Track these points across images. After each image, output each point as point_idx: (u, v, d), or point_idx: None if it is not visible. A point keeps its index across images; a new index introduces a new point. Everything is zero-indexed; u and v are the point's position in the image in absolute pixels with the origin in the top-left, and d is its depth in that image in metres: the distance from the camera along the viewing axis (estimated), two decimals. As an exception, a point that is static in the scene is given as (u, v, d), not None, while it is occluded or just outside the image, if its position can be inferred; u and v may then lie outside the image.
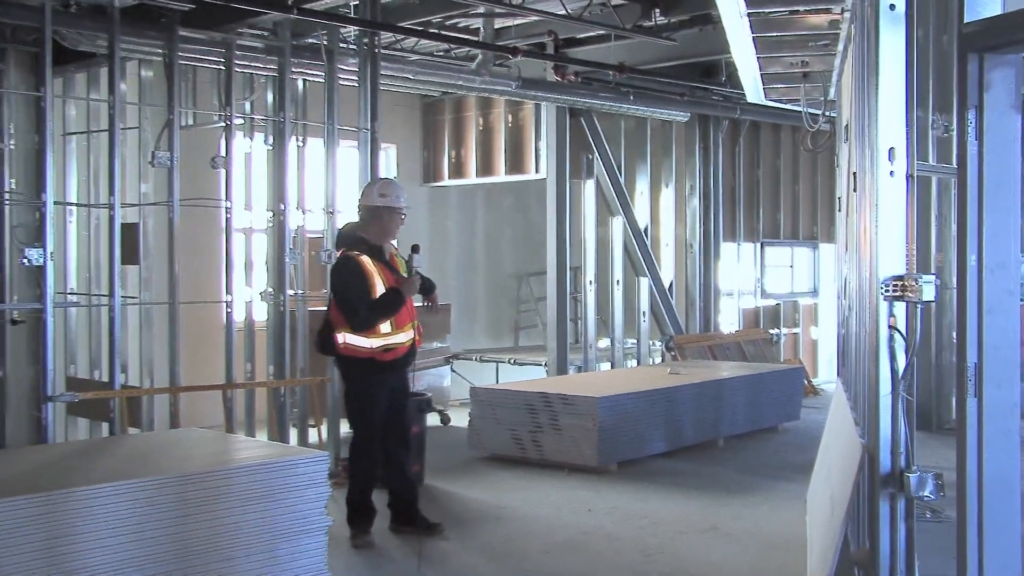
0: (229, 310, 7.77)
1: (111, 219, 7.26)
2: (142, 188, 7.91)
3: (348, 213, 9.00)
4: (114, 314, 7.21)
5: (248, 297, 8.19)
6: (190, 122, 8.52)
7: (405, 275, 6.17)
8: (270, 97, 8.31)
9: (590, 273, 11.46)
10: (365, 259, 6.00)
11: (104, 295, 7.81)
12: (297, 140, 8.42)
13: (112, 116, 7.25)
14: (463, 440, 8.96)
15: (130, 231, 7.62)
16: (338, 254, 6.18)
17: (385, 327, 6.00)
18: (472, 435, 8.73)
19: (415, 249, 6.09)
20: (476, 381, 11.22)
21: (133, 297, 7.89)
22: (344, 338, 6.02)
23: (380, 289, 5.99)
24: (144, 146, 7.81)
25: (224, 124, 7.79)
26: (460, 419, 10.22)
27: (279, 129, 8.14)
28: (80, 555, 4.37)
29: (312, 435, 8.42)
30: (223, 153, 7.76)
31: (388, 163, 12.20)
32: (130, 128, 7.88)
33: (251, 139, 8.28)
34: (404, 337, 6.07)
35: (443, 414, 10.64)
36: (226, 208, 7.74)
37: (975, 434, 3.35)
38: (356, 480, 6.16)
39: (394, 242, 6.40)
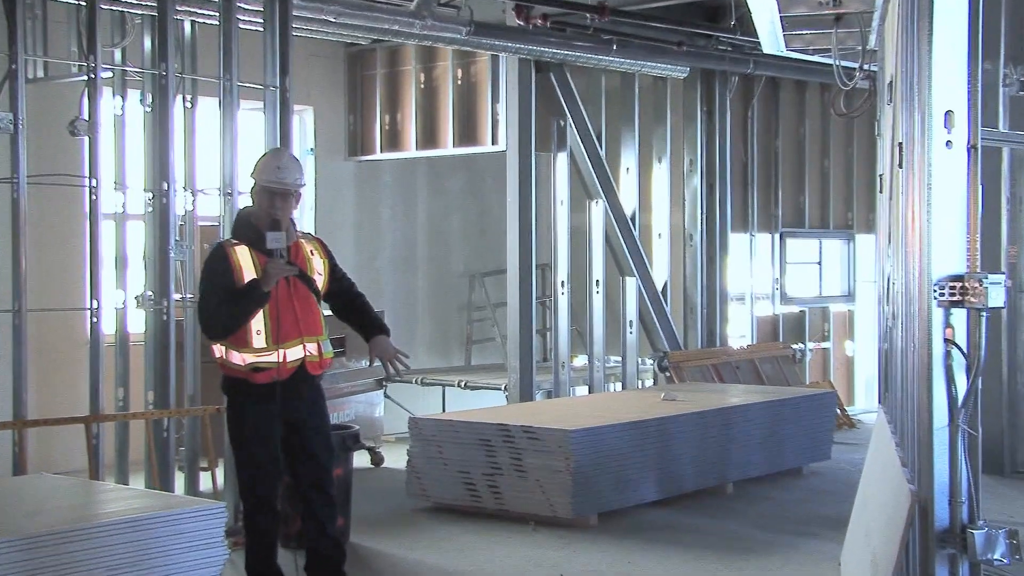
0: (95, 320, 7.69)
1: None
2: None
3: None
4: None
5: (120, 303, 8.10)
6: (40, 74, 8.38)
7: (320, 273, 6.19)
8: (148, 43, 8.23)
9: (562, 272, 11.44)
10: (238, 249, 6.07)
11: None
12: (184, 100, 8.36)
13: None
14: (400, 486, 8.92)
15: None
16: None
17: (259, 341, 6.00)
18: (412, 479, 8.70)
19: (273, 226, 6.04)
20: (417, 410, 11.13)
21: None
22: (220, 351, 6.08)
23: None
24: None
25: (86, 77, 7.68)
26: (396, 459, 10.17)
27: (160, 85, 8.06)
28: None
29: (205, 480, 8.36)
30: (85, 116, 7.67)
31: (303, 130, 12.13)
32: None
33: (123, 98, 8.20)
34: (291, 355, 6.04)
35: (374, 453, 10.62)
36: (90, 187, 7.63)
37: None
38: (252, 541, 6.14)
39: (297, 230, 6.27)
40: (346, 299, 6.40)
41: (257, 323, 5.99)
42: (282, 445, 6.12)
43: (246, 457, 6.10)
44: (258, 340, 6.00)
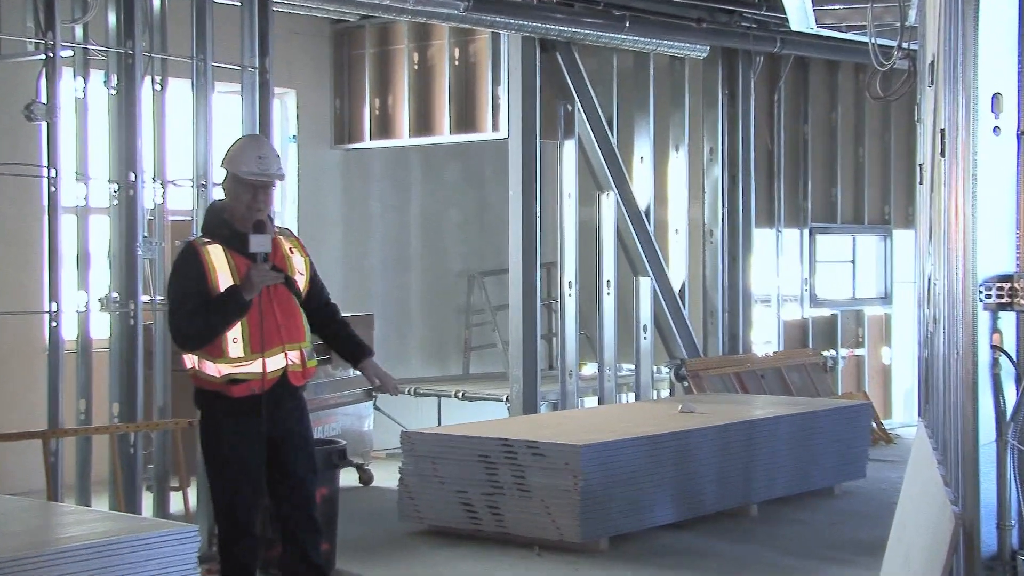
0: (54, 324, 7.67)
1: None
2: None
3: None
4: None
5: (82, 305, 8.08)
6: (-8, 53, 8.39)
7: (301, 273, 6.12)
8: (112, 19, 8.20)
9: (569, 272, 11.44)
10: (211, 249, 5.98)
11: None
12: (153, 82, 8.32)
13: None
14: (391, 507, 8.91)
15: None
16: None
17: (235, 350, 5.92)
18: (404, 500, 8.69)
19: (257, 227, 5.95)
20: (410, 424, 11.11)
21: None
22: (192, 360, 6.02)
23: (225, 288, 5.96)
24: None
25: (44, 56, 7.67)
26: (387, 477, 10.16)
27: (126, 65, 8.05)
28: None
29: (175, 501, 8.35)
30: (43, 99, 7.65)
31: (284, 115, 12.14)
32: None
33: (85, 79, 8.17)
34: (271, 365, 5.97)
35: (363, 470, 10.61)
36: (49, 178, 7.63)
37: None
38: (229, 569, 6.10)
39: (274, 225, 6.21)
40: (324, 313, 6.29)
41: (234, 330, 5.91)
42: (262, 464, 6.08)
43: (222, 478, 6.05)
44: (235, 349, 5.92)
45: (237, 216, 6.02)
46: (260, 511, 6.17)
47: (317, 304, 6.23)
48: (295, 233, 6.42)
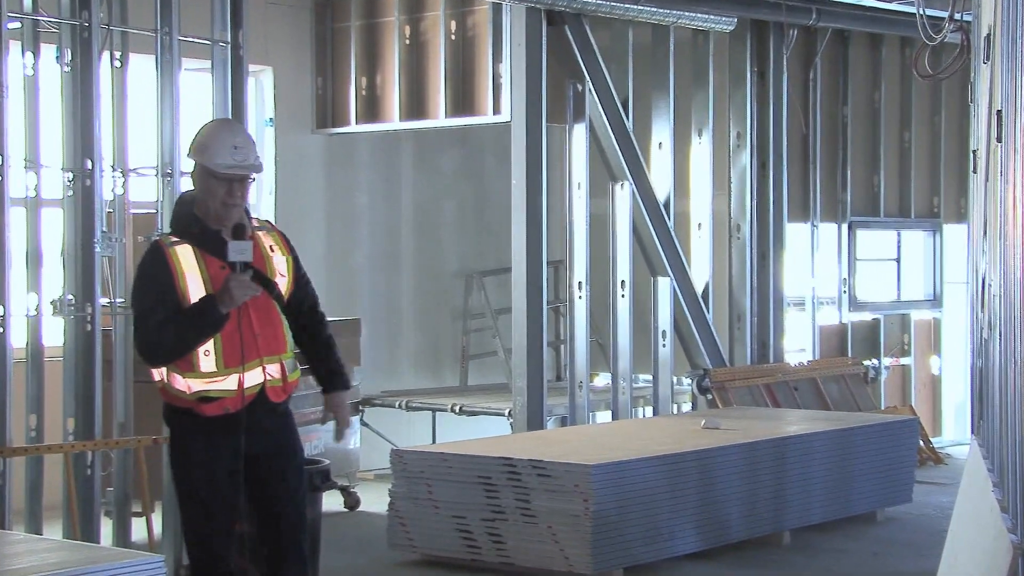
0: (1, 329, 7.72)
1: None
2: None
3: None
4: None
5: (33, 308, 8.10)
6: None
7: (283, 275, 6.03)
8: (67, -13, 8.22)
9: (580, 272, 11.43)
10: (179, 250, 5.88)
11: None
12: (112, 57, 8.34)
13: None
14: (380, 534, 8.92)
15: None
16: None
17: (207, 363, 5.83)
18: (395, 526, 8.70)
19: (237, 232, 5.86)
20: (401, 441, 11.10)
21: None
22: (161, 373, 5.94)
23: (196, 296, 5.84)
24: None
25: (-9, 30, 7.73)
26: (375, 500, 10.17)
27: (82, 39, 8.08)
28: None
29: (138, 528, 8.36)
30: (-10, 77, 7.71)
31: (260, 96, 12.14)
32: None
33: (35, 55, 8.20)
34: (248, 380, 5.90)
35: (348, 493, 10.64)
36: (-4, 166, 7.70)
37: None
38: None
39: (253, 219, 6.13)
40: (307, 322, 6.19)
41: (205, 343, 5.84)
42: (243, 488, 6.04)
43: (193, 504, 5.98)
44: (206, 363, 5.83)
45: (210, 213, 5.92)
46: (235, 541, 6.13)
47: (299, 310, 6.13)
48: (276, 226, 6.28)
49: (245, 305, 5.86)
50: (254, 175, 5.98)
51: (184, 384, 5.85)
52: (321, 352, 6.23)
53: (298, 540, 6.16)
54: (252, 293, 5.82)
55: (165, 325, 5.77)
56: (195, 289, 5.83)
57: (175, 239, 5.92)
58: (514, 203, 11.18)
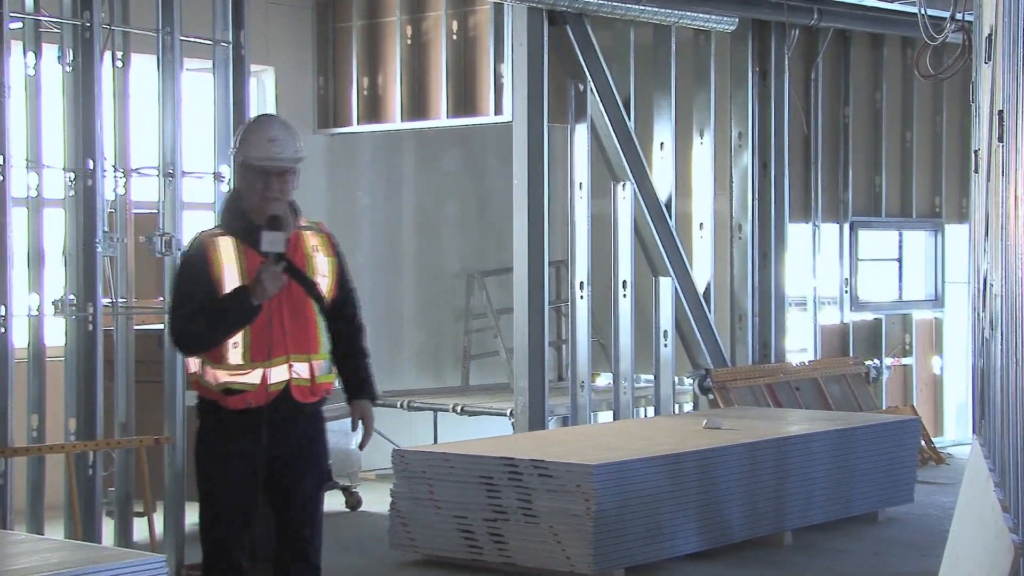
0: (3, 330, 7.73)
1: None
2: None
3: (203, 175, 8.90)
4: None
5: (35, 309, 8.10)
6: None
7: (324, 275, 5.98)
8: (69, -13, 8.22)
9: (581, 272, 11.42)
10: (221, 242, 5.90)
11: None
12: (114, 57, 8.35)
13: None
14: (382, 534, 8.92)
15: None
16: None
17: (235, 355, 5.84)
18: (397, 526, 8.70)
19: (272, 223, 5.84)
20: (403, 441, 11.09)
21: None
22: (196, 364, 5.95)
23: (232, 287, 5.85)
24: None
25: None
26: (376, 501, 10.20)
27: (84, 39, 8.08)
28: None
29: (140, 528, 8.34)
30: (-9, 77, 7.71)
31: (262, 96, 12.13)
32: None
33: (37, 55, 8.20)
34: (273, 376, 5.86)
35: (350, 493, 10.64)
36: (-3, 166, 7.69)
37: None
38: None
39: (299, 217, 6.09)
40: (346, 332, 6.12)
41: (235, 334, 5.81)
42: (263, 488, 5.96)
43: (209, 498, 5.97)
44: (234, 355, 5.83)
45: (252, 207, 5.93)
46: (248, 542, 6.02)
47: (338, 316, 6.08)
48: (326, 228, 6.23)
49: (279, 301, 5.85)
50: (294, 168, 5.95)
51: (212, 375, 5.86)
52: (354, 360, 6.18)
53: (307, 545, 6.09)
54: (282, 284, 5.79)
55: (197, 314, 5.80)
56: (231, 281, 5.83)
57: (219, 231, 5.96)
58: (515, 203, 11.18)
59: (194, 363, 5.94)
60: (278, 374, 5.88)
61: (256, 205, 5.92)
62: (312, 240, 6.06)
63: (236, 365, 5.83)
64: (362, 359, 6.21)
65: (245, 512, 5.95)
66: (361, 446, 6.25)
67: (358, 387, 6.18)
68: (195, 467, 6.03)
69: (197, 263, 5.87)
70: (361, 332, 6.22)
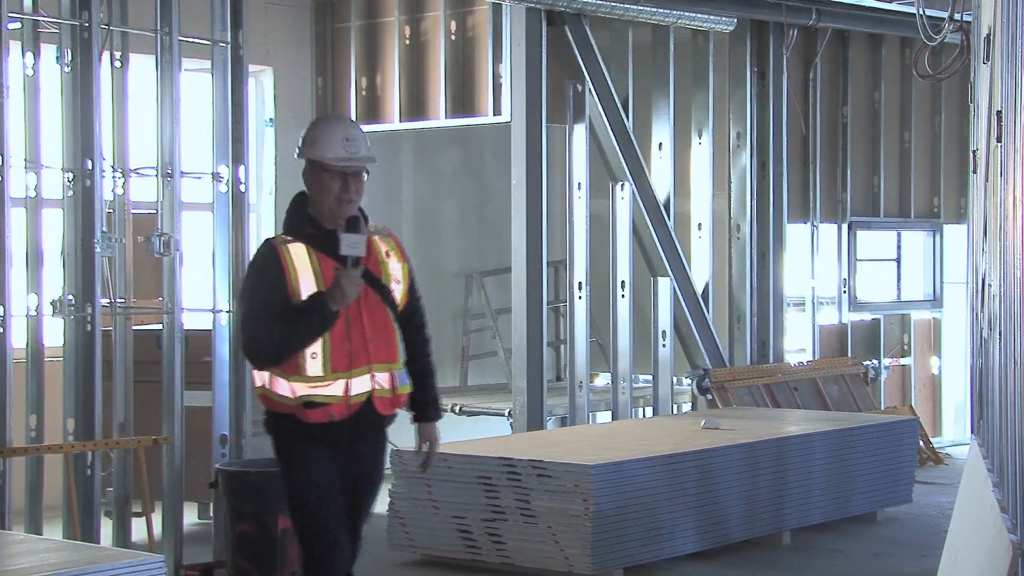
0: (1, 330, 7.71)
1: None
2: None
3: (202, 176, 8.89)
4: None
5: (33, 309, 8.10)
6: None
7: (398, 281, 5.79)
8: (67, -13, 8.22)
9: (580, 272, 11.42)
10: (292, 248, 5.66)
11: None
12: (113, 58, 8.36)
13: None
14: (380, 534, 8.88)
15: None
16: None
17: (314, 367, 5.58)
18: (395, 526, 8.71)
19: (350, 225, 5.63)
20: (400, 441, 11.07)
21: None
22: (263, 378, 5.69)
23: (308, 295, 5.62)
24: None
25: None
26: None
27: (82, 39, 8.07)
28: None
29: (138, 528, 8.36)
30: (-11, 77, 7.70)
31: (260, 96, 12.12)
32: None
33: (35, 55, 8.20)
34: (355, 387, 5.63)
35: (348, 494, 10.57)
36: (-4, 166, 7.69)
37: None
38: None
39: (370, 223, 5.86)
40: (414, 342, 5.88)
41: (313, 344, 5.57)
42: None
43: (305, 518, 5.71)
44: (313, 366, 5.57)
45: (323, 211, 5.72)
46: (345, 545, 5.83)
47: (408, 324, 5.86)
48: (393, 232, 6.01)
49: (358, 308, 5.64)
50: (367, 169, 5.79)
51: (288, 388, 5.61)
52: (423, 378, 5.93)
53: (350, 569, 5.93)
54: (360, 289, 5.59)
55: (272, 324, 5.54)
56: (307, 288, 5.60)
57: (288, 238, 5.70)
58: (514, 203, 11.18)
59: (260, 377, 5.68)
60: (360, 385, 5.65)
61: (330, 208, 5.70)
62: (383, 245, 5.84)
63: (315, 376, 5.59)
64: (431, 377, 5.97)
65: (340, 524, 5.74)
66: (424, 468, 6.03)
67: (425, 409, 5.97)
68: (287, 490, 5.72)
69: (271, 271, 5.62)
70: (429, 344, 5.98)
